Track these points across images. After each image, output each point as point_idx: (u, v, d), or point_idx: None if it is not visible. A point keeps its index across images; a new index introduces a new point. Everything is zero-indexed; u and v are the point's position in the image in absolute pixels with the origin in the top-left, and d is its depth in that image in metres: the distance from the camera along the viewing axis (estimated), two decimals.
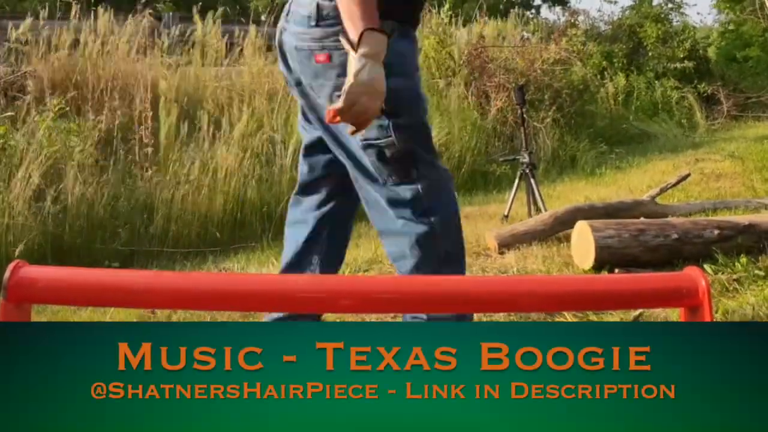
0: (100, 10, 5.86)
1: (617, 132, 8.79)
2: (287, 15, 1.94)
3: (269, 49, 6.71)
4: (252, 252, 4.29)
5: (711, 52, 12.66)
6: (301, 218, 2.13)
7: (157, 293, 1.15)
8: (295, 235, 2.11)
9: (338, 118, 1.66)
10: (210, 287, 1.17)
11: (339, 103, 1.64)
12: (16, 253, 3.69)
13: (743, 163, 6.44)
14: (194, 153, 4.84)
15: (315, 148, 2.11)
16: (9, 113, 4.48)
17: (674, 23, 11.82)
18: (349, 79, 1.64)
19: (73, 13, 5.74)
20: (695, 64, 11.15)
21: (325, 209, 2.11)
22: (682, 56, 11.05)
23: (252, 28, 6.60)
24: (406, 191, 1.87)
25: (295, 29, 1.90)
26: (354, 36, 1.64)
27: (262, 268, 3.70)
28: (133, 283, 1.17)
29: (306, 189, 2.16)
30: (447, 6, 7.80)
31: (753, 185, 5.30)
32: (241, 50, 6.48)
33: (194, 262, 4.18)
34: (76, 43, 5.60)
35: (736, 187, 5.35)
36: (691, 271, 1.16)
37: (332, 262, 2.11)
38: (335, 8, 1.75)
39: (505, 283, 1.39)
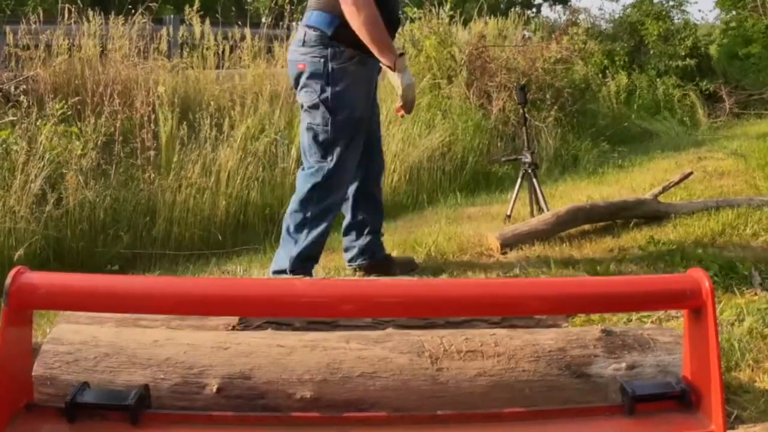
0: (97, 13, 5.86)
1: (619, 131, 8.77)
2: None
3: (270, 51, 6.71)
4: (255, 254, 4.28)
5: (712, 50, 12.65)
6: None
7: (158, 298, 1.14)
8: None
9: (401, 112, 3.06)
10: (211, 292, 1.17)
11: (398, 102, 3.02)
12: (17, 257, 3.69)
13: (746, 160, 6.42)
14: (196, 155, 4.84)
15: None
16: (11, 117, 4.48)
17: (675, 21, 11.81)
18: (399, 87, 2.95)
19: (71, 17, 5.73)
20: (697, 61, 11.13)
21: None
22: (683, 54, 11.03)
23: (248, 30, 6.59)
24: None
25: (292, 47, 3.03)
26: (390, 63, 2.87)
27: (264, 270, 3.69)
28: (134, 289, 1.16)
29: None
30: (448, 6, 7.78)
31: (755, 183, 5.29)
32: (239, 52, 6.48)
33: (197, 264, 4.17)
34: (75, 46, 5.59)
35: (739, 184, 5.35)
36: (694, 273, 1.15)
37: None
38: (316, 36, 2.88)
39: (509, 286, 1.39)
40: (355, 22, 2.77)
